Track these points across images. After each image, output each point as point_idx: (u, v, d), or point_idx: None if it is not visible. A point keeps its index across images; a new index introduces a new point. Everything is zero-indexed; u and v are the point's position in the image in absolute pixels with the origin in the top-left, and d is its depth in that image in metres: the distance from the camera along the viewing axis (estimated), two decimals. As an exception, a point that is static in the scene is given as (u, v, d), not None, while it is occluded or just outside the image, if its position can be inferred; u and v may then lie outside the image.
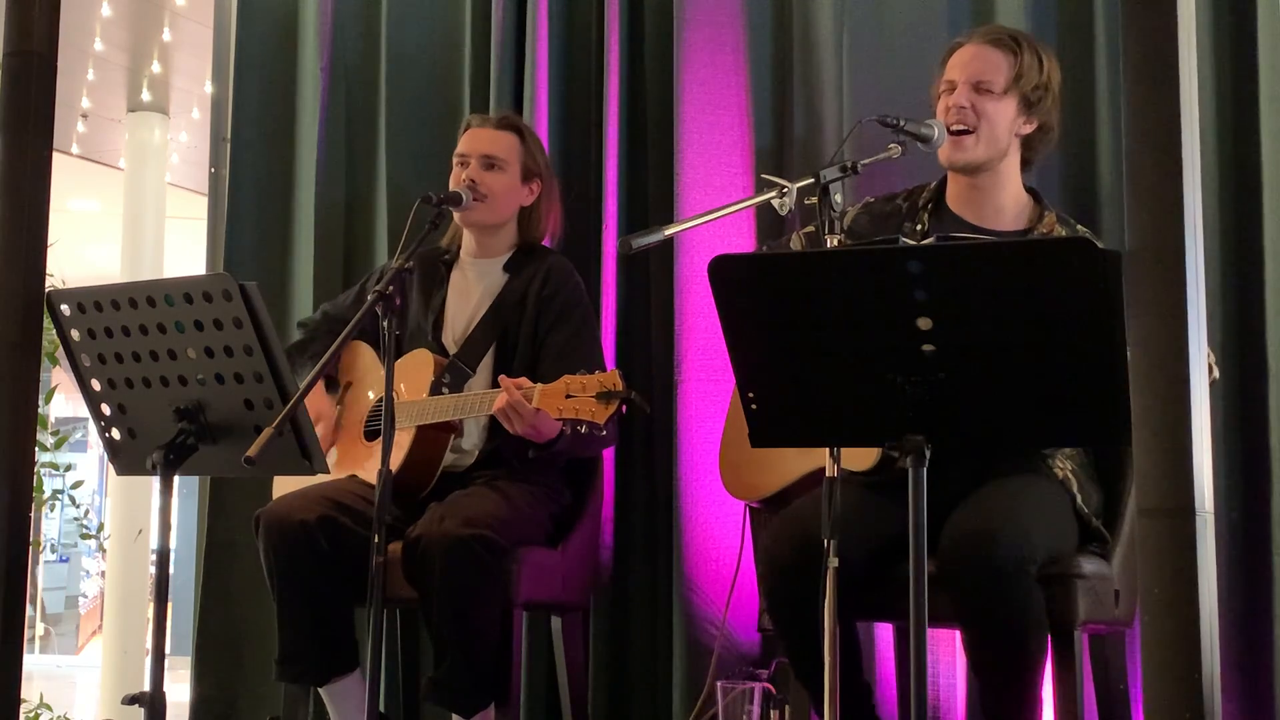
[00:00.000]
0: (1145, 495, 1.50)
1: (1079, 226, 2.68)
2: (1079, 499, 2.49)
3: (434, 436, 2.83)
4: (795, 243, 2.86)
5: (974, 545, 2.24)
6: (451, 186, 2.98)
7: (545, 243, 3.14)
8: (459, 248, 3.12)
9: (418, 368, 2.92)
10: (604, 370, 2.51)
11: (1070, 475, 2.52)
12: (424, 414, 2.78)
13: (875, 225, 2.73)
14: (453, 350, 2.97)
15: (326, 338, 3.04)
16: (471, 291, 3.05)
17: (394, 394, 2.86)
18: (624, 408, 2.46)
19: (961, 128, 2.60)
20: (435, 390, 2.85)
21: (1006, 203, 2.67)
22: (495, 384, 2.88)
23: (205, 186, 4.33)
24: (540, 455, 2.76)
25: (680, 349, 3.23)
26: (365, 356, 3.03)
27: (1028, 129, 2.66)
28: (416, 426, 2.79)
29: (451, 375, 2.89)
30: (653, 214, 3.39)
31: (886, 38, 3.19)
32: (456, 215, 3.00)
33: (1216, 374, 2.31)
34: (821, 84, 3.25)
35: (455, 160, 3.03)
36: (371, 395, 2.98)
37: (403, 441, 2.79)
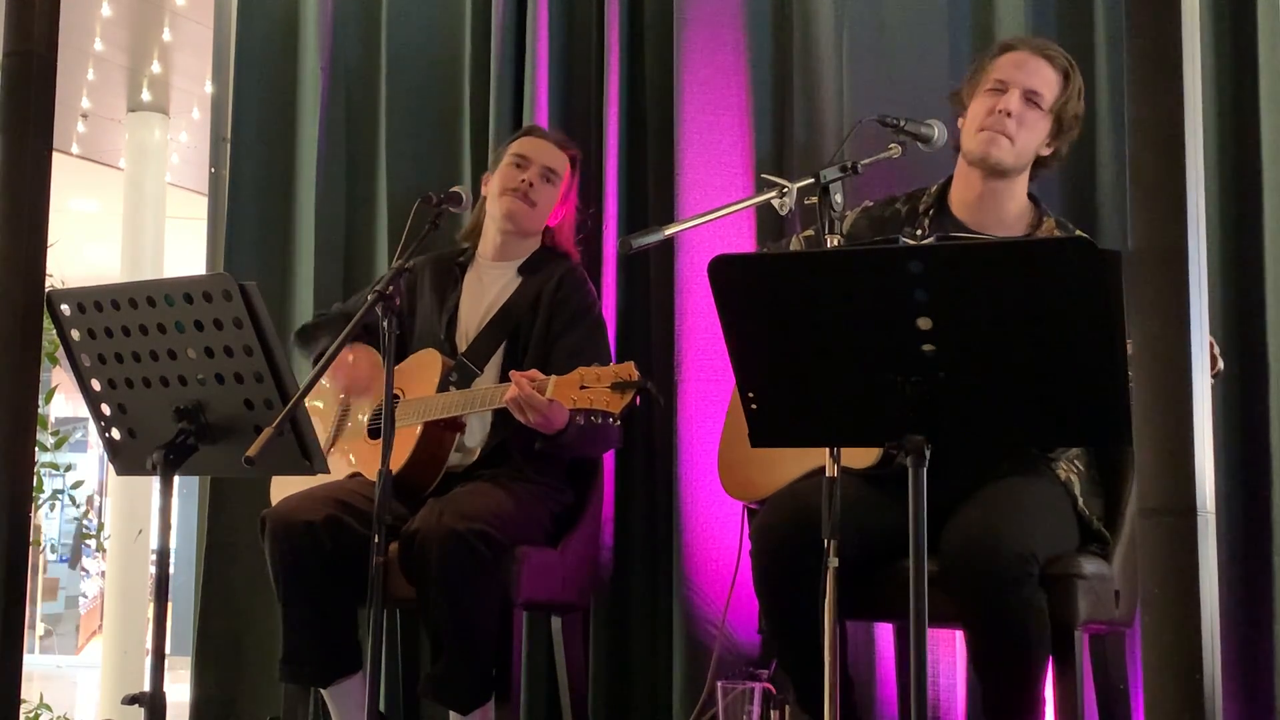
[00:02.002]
0: (1146, 495, 1.49)
1: (1077, 231, 2.68)
2: (1080, 501, 2.49)
3: (439, 434, 2.83)
4: (795, 246, 2.86)
5: (976, 548, 2.24)
6: (503, 183, 3.01)
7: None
8: (473, 250, 3.11)
9: (424, 367, 2.92)
10: None
11: (1072, 477, 2.52)
12: (430, 410, 2.78)
13: (874, 229, 2.73)
14: (463, 350, 2.97)
15: (340, 323, 3.05)
16: (485, 293, 3.05)
17: (399, 393, 2.88)
18: (638, 398, 2.46)
19: (1001, 130, 2.59)
20: (442, 389, 2.85)
21: (1011, 212, 2.67)
22: (503, 382, 2.88)
23: (205, 186, 4.33)
24: (546, 447, 2.76)
25: (680, 349, 3.23)
26: (371, 358, 3.03)
27: (1046, 152, 2.67)
28: (423, 424, 2.79)
29: (459, 374, 2.90)
30: (653, 214, 3.39)
31: (886, 38, 3.19)
32: (501, 212, 3.00)
33: (1221, 365, 2.30)
34: (821, 84, 3.24)
35: (512, 159, 3.03)
36: (375, 394, 2.98)
37: (408, 438, 2.79)
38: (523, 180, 3.00)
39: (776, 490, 2.61)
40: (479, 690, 2.67)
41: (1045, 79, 2.62)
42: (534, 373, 2.61)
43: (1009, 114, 2.59)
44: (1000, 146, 2.60)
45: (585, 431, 2.59)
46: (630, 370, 2.46)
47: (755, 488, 2.69)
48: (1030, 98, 2.61)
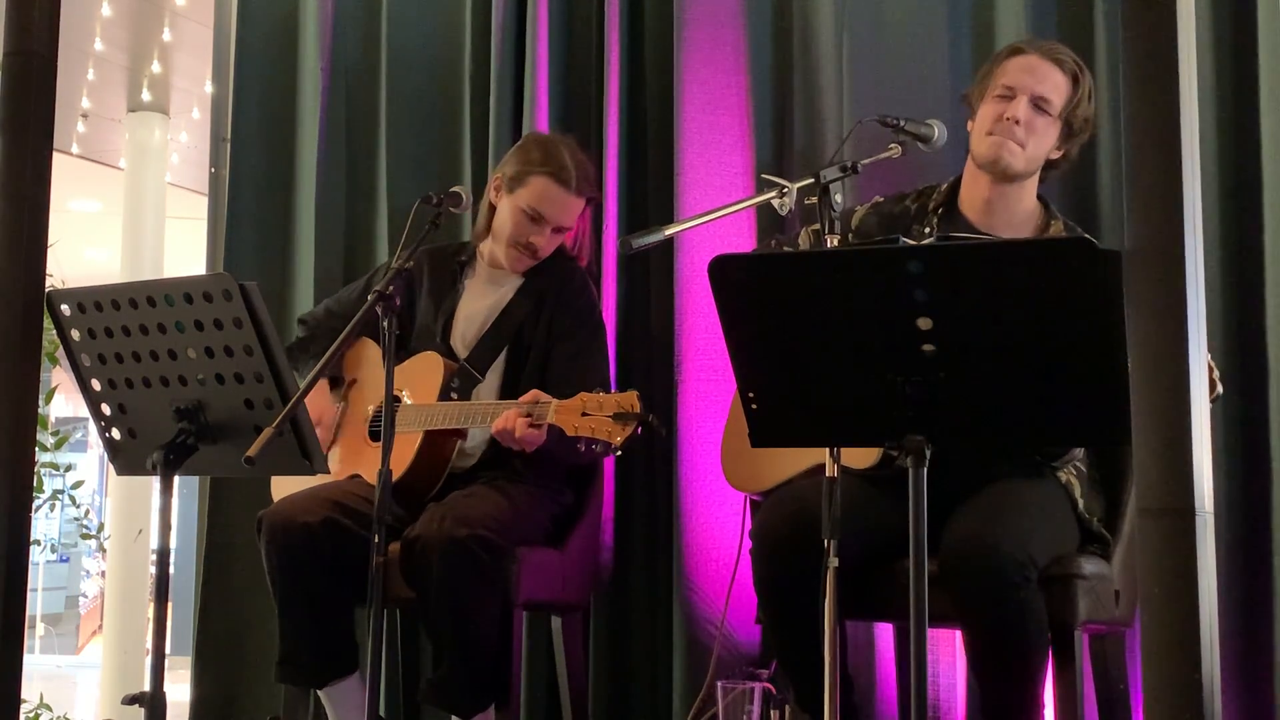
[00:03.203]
0: (1145, 495, 1.49)
1: (1085, 235, 2.68)
2: (1080, 504, 2.49)
3: (441, 439, 2.83)
4: (804, 238, 2.85)
5: (975, 550, 2.24)
6: (513, 231, 2.95)
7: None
8: (475, 249, 3.10)
9: (426, 371, 2.91)
10: (607, 384, 2.51)
11: (1074, 479, 2.52)
12: (432, 419, 2.78)
13: (884, 226, 2.72)
14: (462, 354, 2.96)
15: (328, 336, 3.04)
16: (486, 296, 3.04)
17: (400, 397, 2.87)
18: (639, 429, 2.46)
19: (1010, 137, 2.58)
20: (444, 394, 2.85)
21: (1021, 214, 2.67)
22: (504, 390, 2.88)
23: (205, 186, 4.33)
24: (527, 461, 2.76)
25: (680, 349, 3.23)
26: (371, 354, 3.03)
27: (1056, 155, 2.66)
28: (424, 432, 2.79)
29: (461, 380, 2.89)
30: (653, 214, 3.39)
31: (886, 38, 3.19)
32: (504, 258, 2.99)
33: (1220, 389, 2.29)
34: (821, 84, 3.24)
35: (527, 210, 2.94)
36: (376, 395, 2.97)
37: (410, 444, 2.79)
38: (532, 241, 2.95)
39: (778, 484, 2.61)
40: (480, 695, 2.67)
41: (1054, 84, 2.60)
42: (536, 393, 2.60)
43: (1017, 121, 2.58)
44: (1011, 152, 2.58)
45: (570, 450, 2.56)
46: (633, 401, 2.45)
47: (758, 479, 2.69)
48: (1039, 104, 2.59)
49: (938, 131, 2.50)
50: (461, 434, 2.86)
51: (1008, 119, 2.58)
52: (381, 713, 3.30)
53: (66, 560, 11.73)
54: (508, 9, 3.56)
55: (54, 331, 2.24)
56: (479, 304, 3.03)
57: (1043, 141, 2.61)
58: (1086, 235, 2.66)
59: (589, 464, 3.02)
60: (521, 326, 2.97)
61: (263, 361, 2.08)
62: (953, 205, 2.71)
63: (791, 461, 2.60)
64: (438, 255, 3.12)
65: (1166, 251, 1.48)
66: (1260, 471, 2.76)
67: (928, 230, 2.66)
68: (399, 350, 2.87)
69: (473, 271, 3.08)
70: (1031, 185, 2.68)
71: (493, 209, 3.03)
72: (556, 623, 2.98)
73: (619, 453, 2.49)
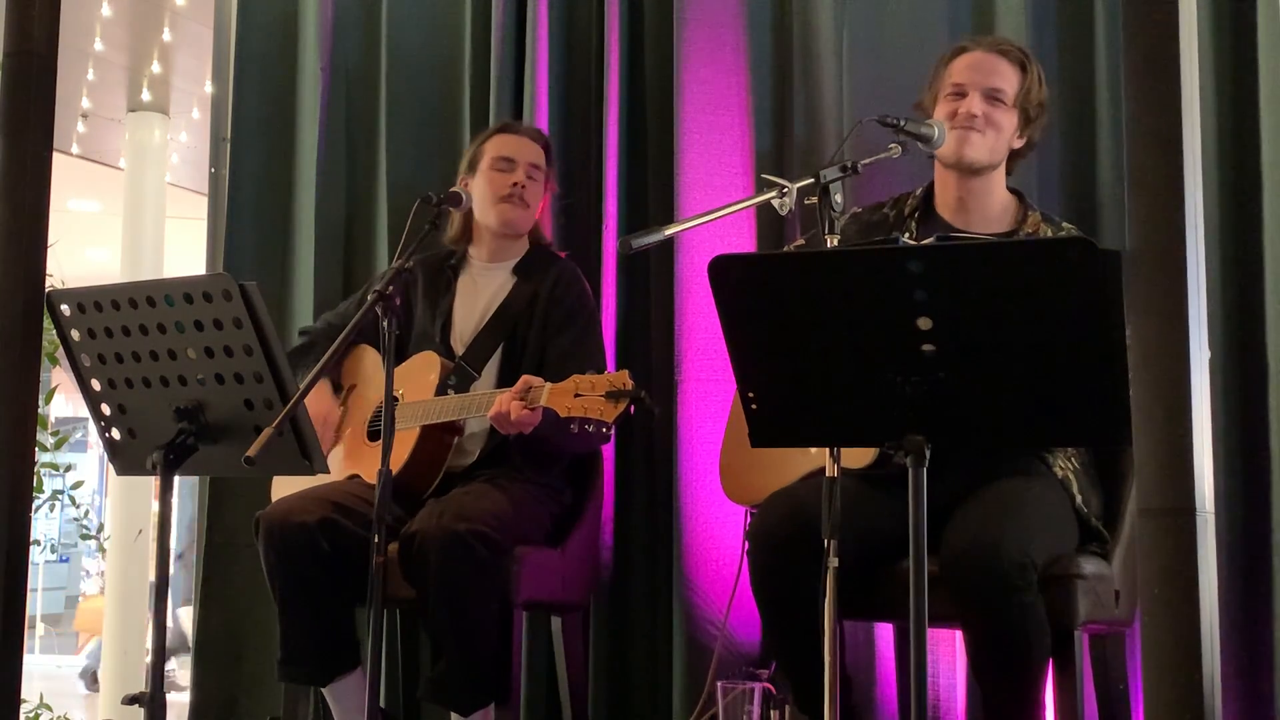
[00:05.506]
0: (1145, 495, 1.50)
1: (1064, 224, 2.68)
2: (1079, 499, 2.49)
3: (438, 436, 2.83)
4: None
5: (976, 553, 2.24)
6: (493, 190, 3.00)
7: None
8: (464, 251, 3.12)
9: (423, 370, 2.92)
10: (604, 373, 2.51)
11: (1071, 476, 2.52)
12: (429, 414, 2.78)
13: (863, 234, 2.74)
14: (459, 353, 2.97)
15: (329, 343, 3.04)
16: (480, 295, 3.05)
17: (397, 396, 2.87)
18: (632, 408, 2.46)
19: (970, 128, 2.60)
20: (441, 392, 2.85)
21: (995, 208, 2.68)
22: (501, 386, 2.88)
23: (205, 186, 4.33)
24: (525, 447, 2.76)
25: (680, 349, 3.23)
26: (369, 359, 3.04)
27: (1018, 144, 2.68)
28: (421, 427, 2.79)
29: (457, 377, 2.90)
30: (653, 214, 3.39)
31: (886, 38, 3.19)
32: (498, 220, 3.01)
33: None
34: (821, 84, 3.25)
35: (494, 163, 3.02)
36: (375, 396, 2.98)
37: (407, 441, 2.79)
38: (515, 185, 3.00)
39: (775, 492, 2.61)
40: (480, 692, 2.67)
41: (1004, 75, 2.63)
42: (528, 378, 2.61)
43: (974, 115, 2.60)
44: (972, 143, 2.60)
45: (565, 433, 2.57)
46: (625, 379, 2.45)
47: (756, 492, 2.68)
48: (993, 96, 2.62)
49: (938, 131, 2.50)
50: (457, 429, 2.86)
51: (963, 113, 2.60)
52: (382, 705, 3.30)
53: (66, 560, 11.73)
54: (508, 9, 3.56)
55: (54, 331, 2.24)
56: (473, 302, 3.04)
57: (1003, 133, 2.63)
58: (1069, 228, 2.67)
59: (587, 452, 3.02)
60: (516, 322, 2.97)
61: (263, 361, 2.08)
62: (929, 208, 2.73)
63: (790, 472, 2.59)
64: (430, 262, 3.12)
65: (1167, 251, 1.49)
66: (1260, 471, 2.76)
67: (907, 235, 2.67)
68: (397, 357, 2.88)
69: (465, 272, 3.09)
70: (1000, 178, 2.69)
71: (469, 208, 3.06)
72: (556, 622, 2.98)
73: (611, 430, 2.49)
